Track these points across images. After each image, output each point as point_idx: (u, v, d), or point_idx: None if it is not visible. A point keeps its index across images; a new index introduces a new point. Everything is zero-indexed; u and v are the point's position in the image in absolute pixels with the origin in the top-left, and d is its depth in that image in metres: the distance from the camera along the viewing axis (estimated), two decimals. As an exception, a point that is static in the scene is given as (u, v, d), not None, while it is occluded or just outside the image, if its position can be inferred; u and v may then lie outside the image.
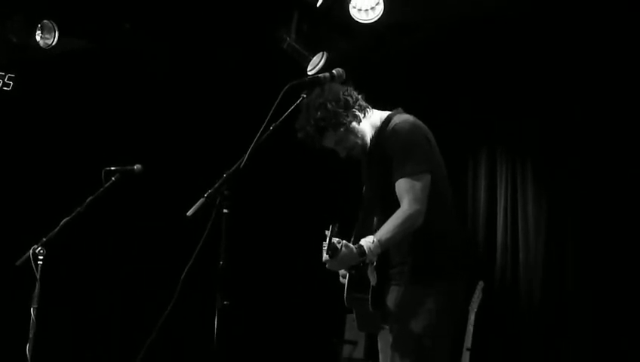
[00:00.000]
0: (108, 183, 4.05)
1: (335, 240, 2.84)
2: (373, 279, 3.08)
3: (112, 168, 4.08)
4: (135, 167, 4.12)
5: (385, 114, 3.23)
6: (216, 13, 5.68)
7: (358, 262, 2.96)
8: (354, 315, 3.29)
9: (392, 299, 3.11)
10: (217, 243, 2.77)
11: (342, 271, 3.25)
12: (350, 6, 5.19)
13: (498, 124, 5.67)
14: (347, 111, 3.11)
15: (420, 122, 3.17)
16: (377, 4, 5.15)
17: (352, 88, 3.18)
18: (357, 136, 3.16)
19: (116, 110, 6.38)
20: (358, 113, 3.15)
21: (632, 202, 4.79)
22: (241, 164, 2.83)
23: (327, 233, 2.87)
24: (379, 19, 5.21)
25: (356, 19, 5.25)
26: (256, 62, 6.15)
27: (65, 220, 3.95)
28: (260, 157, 2.88)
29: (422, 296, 3.04)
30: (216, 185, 2.79)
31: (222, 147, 4.80)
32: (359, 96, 3.18)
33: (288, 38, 5.66)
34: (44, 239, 3.90)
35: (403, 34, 5.69)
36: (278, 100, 2.91)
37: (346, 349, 6.19)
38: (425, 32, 5.69)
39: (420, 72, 6.03)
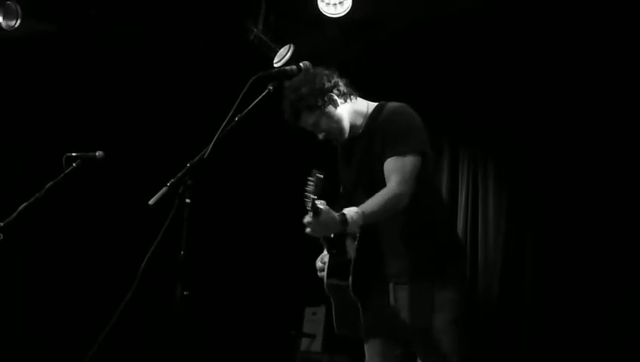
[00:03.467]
0: (68, 169, 3.99)
1: (317, 201, 2.74)
2: (352, 253, 3.00)
3: (74, 154, 4.02)
4: (97, 154, 4.07)
5: (374, 103, 3.23)
6: (184, 1, 5.64)
7: (340, 231, 2.87)
8: (333, 311, 3.17)
9: (399, 299, 3.06)
10: (179, 233, 2.76)
11: (319, 264, 3.20)
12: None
13: (461, 123, 5.71)
14: (323, 95, 3.09)
15: None
16: (346, -2, 5.17)
17: (334, 74, 3.16)
18: (332, 120, 3.13)
19: (80, 96, 6.29)
20: (335, 98, 3.12)
21: (591, 201, 4.85)
22: (205, 154, 2.82)
23: (311, 183, 2.75)
24: (347, 13, 5.22)
25: (324, 12, 5.26)
26: (224, 53, 6.12)
27: (23, 205, 3.89)
28: (225, 148, 2.87)
29: (438, 289, 3.01)
30: (180, 174, 2.78)
31: (186, 137, 4.77)
32: (340, 82, 3.16)
33: (255, 30, 5.64)
34: (1, 224, 3.83)
35: (370, 30, 5.71)
36: (244, 91, 2.91)
37: (304, 342, 6.21)
38: (389, 30, 5.71)
39: (384, 69, 6.04)
